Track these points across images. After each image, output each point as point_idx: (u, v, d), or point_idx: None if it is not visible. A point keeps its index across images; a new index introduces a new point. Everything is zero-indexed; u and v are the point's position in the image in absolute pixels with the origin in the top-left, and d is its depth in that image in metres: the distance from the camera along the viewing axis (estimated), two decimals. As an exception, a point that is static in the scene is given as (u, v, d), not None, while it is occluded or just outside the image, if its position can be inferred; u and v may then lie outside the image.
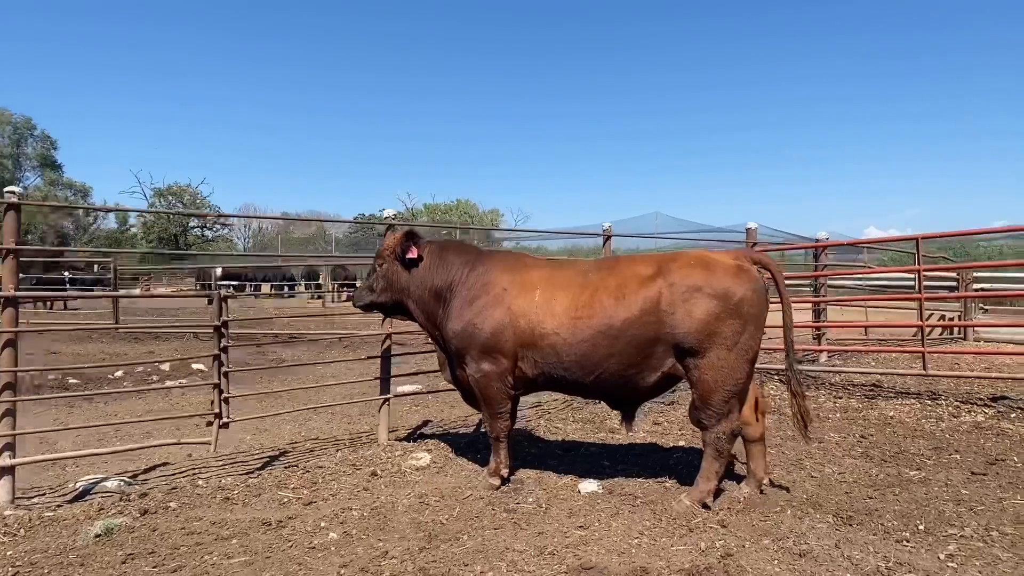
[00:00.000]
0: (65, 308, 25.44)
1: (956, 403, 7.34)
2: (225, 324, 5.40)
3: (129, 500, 4.58)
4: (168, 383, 10.42)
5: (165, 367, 12.11)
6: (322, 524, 4.24)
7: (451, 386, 5.43)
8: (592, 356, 4.50)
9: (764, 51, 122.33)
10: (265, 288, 31.79)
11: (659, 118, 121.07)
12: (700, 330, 4.29)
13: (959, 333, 13.20)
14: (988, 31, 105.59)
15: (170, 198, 61.82)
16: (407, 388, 8.68)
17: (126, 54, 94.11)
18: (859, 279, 14.30)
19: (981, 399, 7.51)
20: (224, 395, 5.35)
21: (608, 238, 7.72)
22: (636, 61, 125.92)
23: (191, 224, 62.90)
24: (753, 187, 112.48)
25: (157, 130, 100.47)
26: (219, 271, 29.45)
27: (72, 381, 10.99)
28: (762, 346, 9.93)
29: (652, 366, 4.50)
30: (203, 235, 65.69)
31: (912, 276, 12.75)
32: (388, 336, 6.24)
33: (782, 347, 10.21)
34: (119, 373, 11.45)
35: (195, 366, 12.06)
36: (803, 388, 4.66)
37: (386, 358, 6.21)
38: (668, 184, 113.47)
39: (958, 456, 5.66)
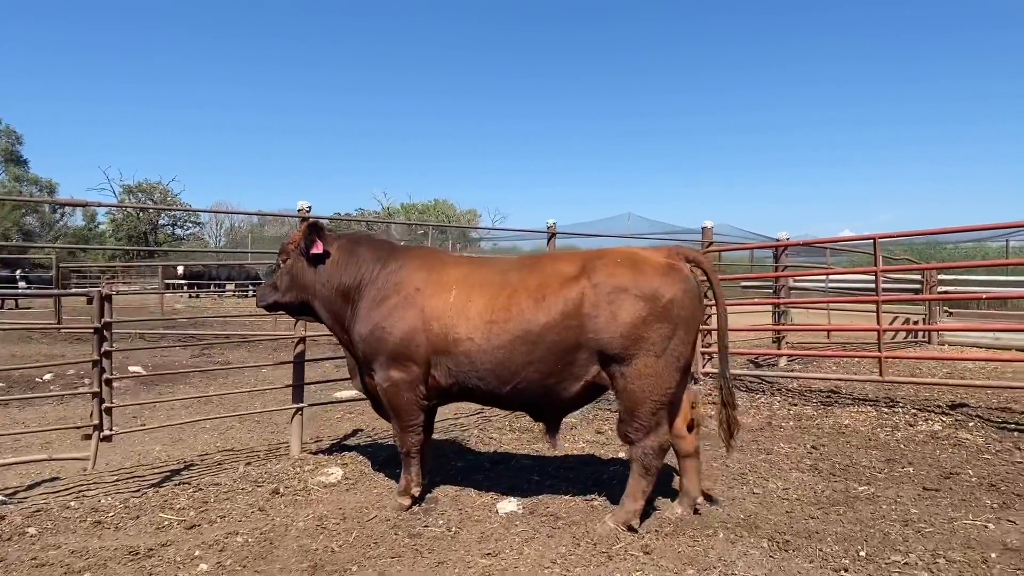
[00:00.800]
0: (16, 307, 24.63)
1: (914, 411, 7.02)
2: (107, 326, 4.88)
3: (-19, 525, 4.06)
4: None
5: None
6: (196, 553, 3.76)
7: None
8: (509, 364, 4.05)
9: (747, 54, 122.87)
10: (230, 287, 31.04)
11: (637, 119, 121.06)
12: (626, 335, 3.87)
13: (923, 337, 12.98)
14: (970, 36, 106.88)
15: (140, 195, 60.38)
16: (346, 394, 8.21)
17: (96, 55, 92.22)
18: (823, 281, 14.03)
19: (940, 406, 7.20)
20: (105, 405, 4.83)
21: (552, 236, 7.29)
22: (617, 62, 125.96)
23: (161, 222, 61.73)
24: (729, 188, 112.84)
25: (127, 130, 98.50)
26: (180, 269, 28.75)
27: (-4, 384, 10.37)
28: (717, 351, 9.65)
29: (575, 375, 4.07)
30: (173, 233, 64.47)
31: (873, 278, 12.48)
32: (302, 339, 5.74)
33: (738, 352, 9.90)
34: (48, 376, 10.83)
35: (132, 368, 11.48)
36: (734, 398, 4.26)
37: (299, 363, 5.72)
38: (645, 184, 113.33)
39: (911, 469, 5.30)
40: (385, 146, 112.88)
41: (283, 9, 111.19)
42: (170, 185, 61.19)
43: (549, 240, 7.31)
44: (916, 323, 13.51)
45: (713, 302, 4.40)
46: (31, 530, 4.04)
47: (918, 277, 13.77)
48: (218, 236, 69.48)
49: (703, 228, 8.81)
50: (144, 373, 10.84)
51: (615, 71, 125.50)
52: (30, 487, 5.12)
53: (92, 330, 4.85)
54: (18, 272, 24.89)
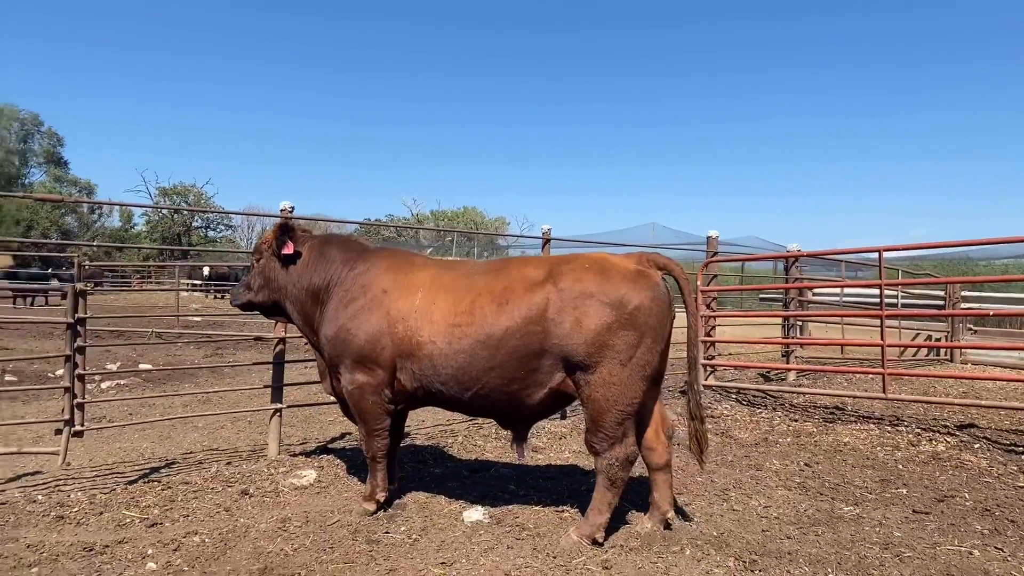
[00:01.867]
0: (46, 304, 25.25)
1: (918, 430, 6.76)
2: (81, 322, 4.90)
3: (-56, 516, 4.09)
4: (104, 384, 9.97)
5: (112, 366, 11.69)
6: (149, 551, 3.73)
7: None
8: (470, 369, 3.97)
9: (775, 60, 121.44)
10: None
11: (668, 127, 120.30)
12: (590, 342, 3.76)
13: (945, 355, 12.58)
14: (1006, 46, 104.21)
15: (174, 197, 61.66)
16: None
17: (131, 56, 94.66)
18: (835, 293, 13.69)
19: (947, 426, 6.92)
20: (77, 400, 4.84)
21: (547, 242, 7.20)
22: (647, 67, 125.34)
23: (194, 224, 62.91)
24: (758, 199, 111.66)
25: (163, 132, 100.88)
26: (206, 270, 29.20)
27: (9, 378, 10.59)
28: (729, 364, 9.44)
29: (538, 382, 3.96)
30: (206, 235, 65.68)
31: (893, 292, 12.14)
32: (281, 340, 5.73)
33: (746, 365, 9.68)
34: (60, 371, 10.99)
35: (142, 365, 11.65)
36: (703, 411, 4.12)
37: (278, 364, 5.70)
38: (674, 192, 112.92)
39: (905, 491, 5.09)
40: (416, 152, 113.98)
41: (314, 15, 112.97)
42: (204, 188, 62.31)
43: (544, 246, 7.22)
44: (939, 340, 13.11)
45: (689, 310, 4.20)
46: (-7, 522, 4.06)
47: (942, 293, 13.38)
48: (250, 238, 70.67)
49: (708, 238, 8.64)
50: (152, 368, 11.01)
51: (646, 75, 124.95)
52: (10, 480, 5.16)
53: (65, 325, 4.88)
54: (49, 270, 25.48)
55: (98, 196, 61.37)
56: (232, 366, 10.01)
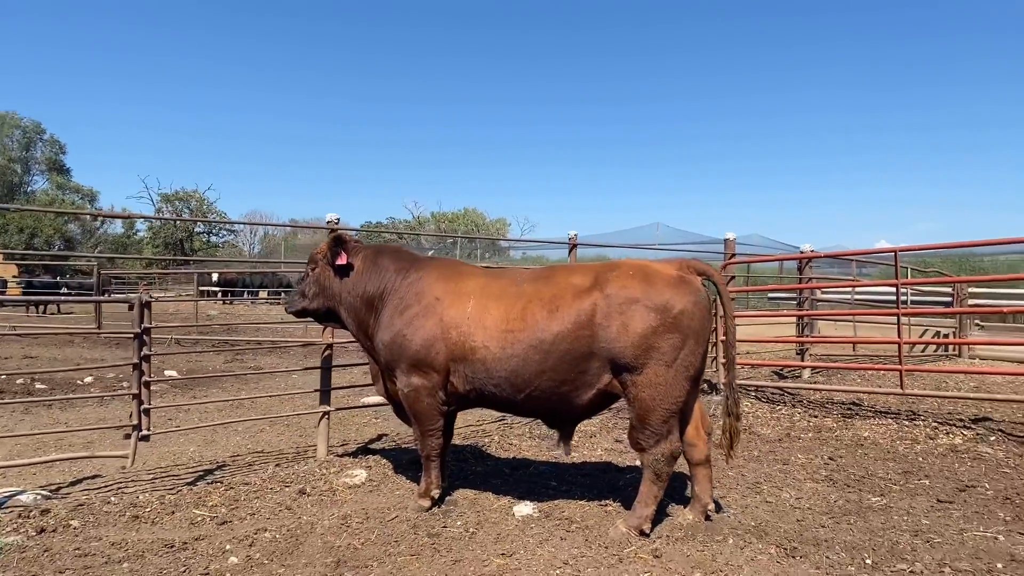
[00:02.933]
0: (58, 312, 25.44)
1: (935, 424, 7.02)
2: (147, 331, 5.15)
3: (29, 517, 4.32)
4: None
5: (138, 373, 11.93)
6: (227, 547, 3.97)
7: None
8: (522, 372, 4.21)
9: (778, 56, 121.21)
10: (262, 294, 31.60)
11: (666, 124, 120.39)
12: (637, 345, 4.01)
13: (953, 350, 12.83)
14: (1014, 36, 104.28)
15: (177, 203, 61.75)
16: (373, 399, 8.42)
17: (131, 59, 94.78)
18: (850, 293, 13.95)
19: (962, 420, 7.17)
20: (144, 406, 5.09)
21: (573, 247, 7.45)
22: (644, 66, 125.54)
23: (197, 229, 63.07)
24: (758, 195, 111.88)
25: (164, 137, 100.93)
26: (215, 276, 29.42)
27: (40, 386, 10.81)
28: (745, 362, 9.68)
29: (587, 383, 4.21)
30: (209, 241, 65.84)
31: (903, 290, 12.37)
32: (329, 346, 5.98)
33: (762, 363, 9.92)
34: (89, 379, 11.24)
35: (167, 372, 11.87)
36: (739, 408, 4.37)
37: (326, 369, 5.95)
38: (674, 191, 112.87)
39: (927, 482, 5.34)
40: (416, 154, 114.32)
41: (314, 19, 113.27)
42: (206, 193, 62.40)
43: (570, 251, 7.47)
44: (947, 336, 13.37)
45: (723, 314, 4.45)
46: (74, 523, 4.29)
47: (949, 289, 13.64)
48: (252, 244, 70.83)
49: (725, 240, 8.90)
50: (179, 377, 11.22)
51: (642, 75, 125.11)
52: (72, 484, 5.40)
53: (132, 335, 5.12)
54: (57, 278, 25.71)
55: (100, 202, 61.56)
56: (271, 372, 10.23)
